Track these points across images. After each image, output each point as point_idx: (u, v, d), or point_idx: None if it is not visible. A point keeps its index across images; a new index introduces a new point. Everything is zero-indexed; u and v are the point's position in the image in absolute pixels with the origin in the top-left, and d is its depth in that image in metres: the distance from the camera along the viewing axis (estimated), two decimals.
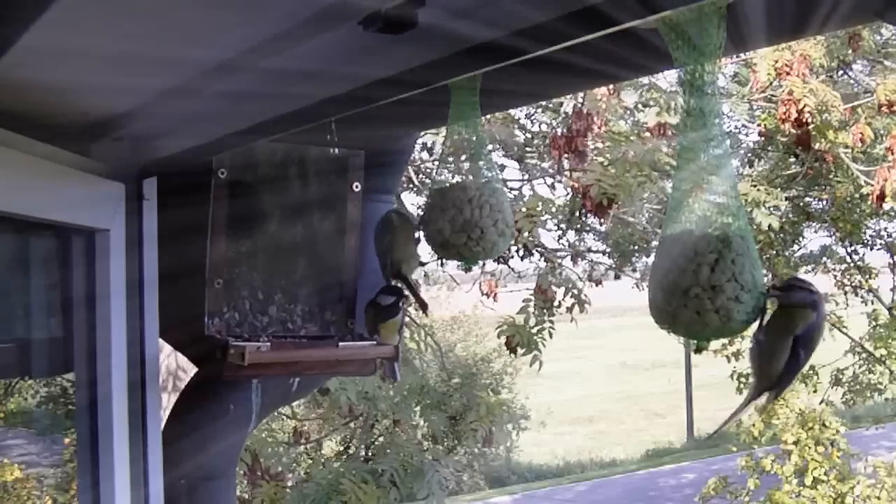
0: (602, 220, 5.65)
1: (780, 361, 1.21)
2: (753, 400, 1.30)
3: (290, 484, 5.80)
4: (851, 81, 7.07)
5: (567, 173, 5.82)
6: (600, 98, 5.32)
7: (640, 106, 5.80)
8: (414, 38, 1.07)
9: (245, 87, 1.43)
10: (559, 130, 5.58)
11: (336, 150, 2.09)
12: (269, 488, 5.32)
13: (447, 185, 1.76)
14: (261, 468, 5.36)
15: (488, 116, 5.70)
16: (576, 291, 5.81)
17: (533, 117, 6.79)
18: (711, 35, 1.10)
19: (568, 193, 6.27)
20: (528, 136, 6.71)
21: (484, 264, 6.72)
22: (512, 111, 6.17)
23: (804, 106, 5.48)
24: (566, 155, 5.39)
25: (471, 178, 1.73)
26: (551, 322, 5.64)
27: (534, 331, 5.54)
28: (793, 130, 5.81)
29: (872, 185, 5.95)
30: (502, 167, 6.91)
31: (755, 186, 6.06)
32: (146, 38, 1.24)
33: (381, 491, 5.17)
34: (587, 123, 5.25)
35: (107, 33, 1.21)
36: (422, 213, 1.88)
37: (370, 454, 6.84)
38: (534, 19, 1.03)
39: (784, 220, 7.38)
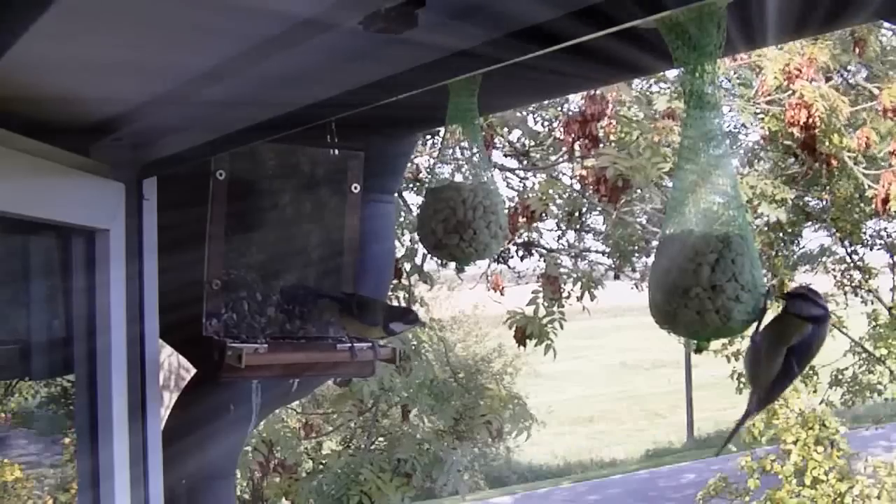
0: (615, 206, 5.58)
1: (772, 369, 1.20)
2: (752, 409, 1.29)
3: (303, 475, 5.80)
4: (853, 89, 7.05)
5: (579, 160, 5.77)
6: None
7: (643, 98, 5.80)
8: (414, 39, 1.07)
9: (245, 87, 1.43)
10: (572, 115, 5.55)
11: (335, 152, 2.09)
12: (283, 480, 5.31)
13: (442, 185, 1.76)
14: (275, 460, 5.38)
15: None
16: (584, 281, 5.81)
17: (537, 114, 6.79)
18: (711, 35, 1.10)
19: (572, 187, 6.26)
20: (532, 132, 6.71)
21: (489, 263, 6.73)
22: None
23: (815, 110, 5.46)
24: (580, 140, 5.36)
25: (466, 178, 1.73)
26: (561, 313, 5.64)
27: (544, 321, 5.54)
28: (798, 134, 5.78)
29: (877, 190, 5.93)
30: (501, 166, 6.91)
31: (762, 180, 6.05)
32: (146, 41, 1.24)
33: (400, 480, 5.15)
34: (601, 107, 5.23)
35: (105, 36, 1.21)
36: (417, 213, 1.87)
37: (373, 447, 6.82)
38: (533, 19, 1.03)
39: (784, 219, 7.36)
